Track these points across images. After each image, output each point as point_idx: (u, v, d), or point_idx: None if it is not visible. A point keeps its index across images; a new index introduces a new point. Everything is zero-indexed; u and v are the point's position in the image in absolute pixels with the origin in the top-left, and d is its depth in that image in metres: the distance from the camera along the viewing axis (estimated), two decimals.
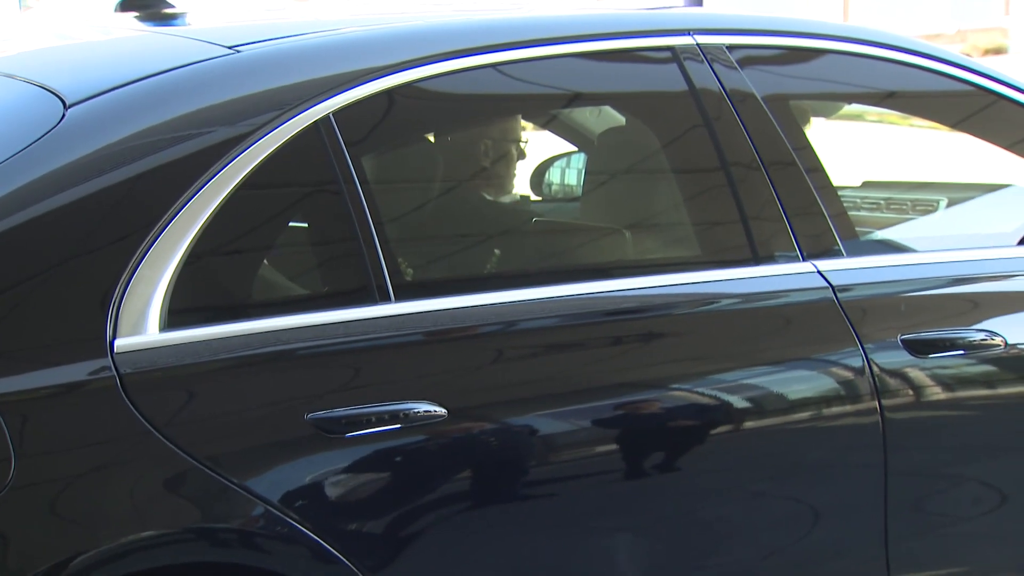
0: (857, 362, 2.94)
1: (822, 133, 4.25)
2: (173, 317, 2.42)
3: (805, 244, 2.98)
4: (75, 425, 2.32)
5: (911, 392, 3.04)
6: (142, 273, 2.40)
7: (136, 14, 3.47)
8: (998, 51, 21.82)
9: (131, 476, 2.35)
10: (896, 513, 3.01)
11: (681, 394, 2.82)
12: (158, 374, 2.38)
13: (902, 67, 3.30)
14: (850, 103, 3.85)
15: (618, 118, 3.68)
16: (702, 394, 2.82)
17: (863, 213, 4.25)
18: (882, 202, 4.26)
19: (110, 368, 2.34)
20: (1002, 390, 3.21)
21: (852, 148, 4.61)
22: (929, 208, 4.19)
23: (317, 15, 3.36)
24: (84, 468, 2.32)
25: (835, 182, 3.25)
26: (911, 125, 4.46)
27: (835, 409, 2.96)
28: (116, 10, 3.62)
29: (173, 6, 3.56)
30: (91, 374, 2.34)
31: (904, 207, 4.23)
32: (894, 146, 4.96)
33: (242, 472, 2.40)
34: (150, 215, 2.43)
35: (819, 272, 2.97)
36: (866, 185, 4.46)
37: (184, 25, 3.09)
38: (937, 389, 3.07)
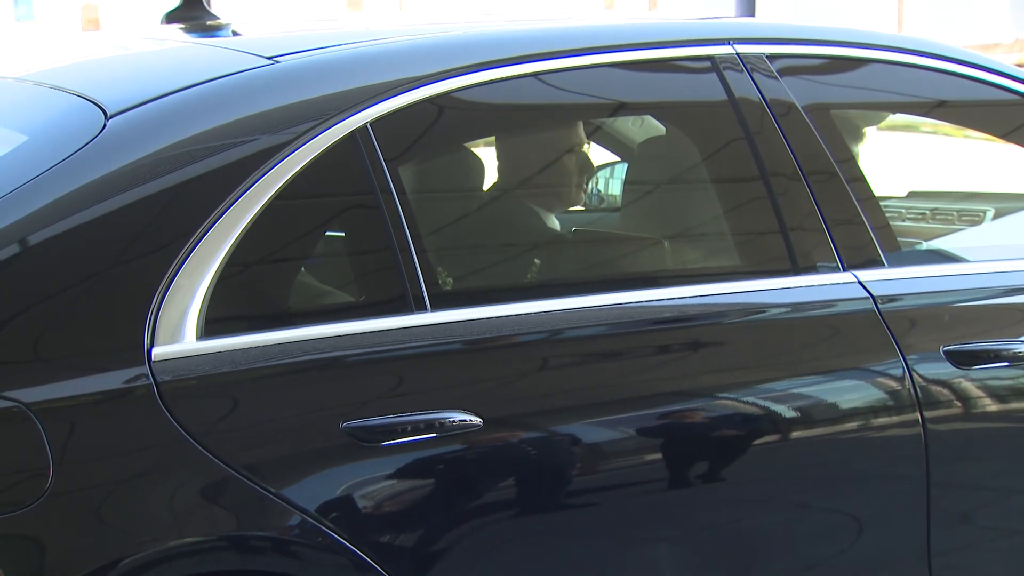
0: (898, 373, 2.92)
1: (870, 143, 4.23)
2: (210, 326, 2.44)
3: (846, 254, 2.96)
4: (113, 433, 2.34)
5: (953, 404, 3.01)
6: (180, 282, 2.42)
7: (181, 26, 3.50)
8: None
9: (168, 484, 2.37)
10: (938, 526, 2.98)
11: (719, 404, 2.81)
12: (195, 382, 2.40)
13: (944, 76, 3.28)
14: (892, 113, 3.81)
15: (660, 128, 3.68)
16: (741, 404, 2.82)
17: (908, 223, 4.22)
18: (928, 212, 4.23)
19: (147, 376, 2.36)
20: None
21: (900, 158, 4.57)
22: (975, 219, 4.16)
23: (356, 25, 3.38)
24: (121, 476, 2.34)
25: (879, 192, 3.23)
26: (965, 136, 4.42)
27: (876, 421, 2.95)
28: (162, 22, 3.65)
29: (218, 17, 3.59)
30: (129, 382, 2.36)
31: (950, 217, 4.20)
32: (941, 157, 4.92)
33: (278, 480, 2.41)
34: (188, 225, 2.45)
35: (860, 283, 2.96)
36: (912, 195, 4.43)
37: (227, 36, 3.11)
38: (979, 401, 3.04)
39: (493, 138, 3.18)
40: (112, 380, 2.35)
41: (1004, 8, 21.66)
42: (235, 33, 3.10)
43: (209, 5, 3.70)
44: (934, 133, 4.88)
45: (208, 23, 3.55)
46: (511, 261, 3.02)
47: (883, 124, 4.15)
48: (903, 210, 4.26)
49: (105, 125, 2.53)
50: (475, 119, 2.95)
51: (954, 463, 3.01)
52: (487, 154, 3.24)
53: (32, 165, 2.46)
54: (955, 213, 4.20)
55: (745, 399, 2.82)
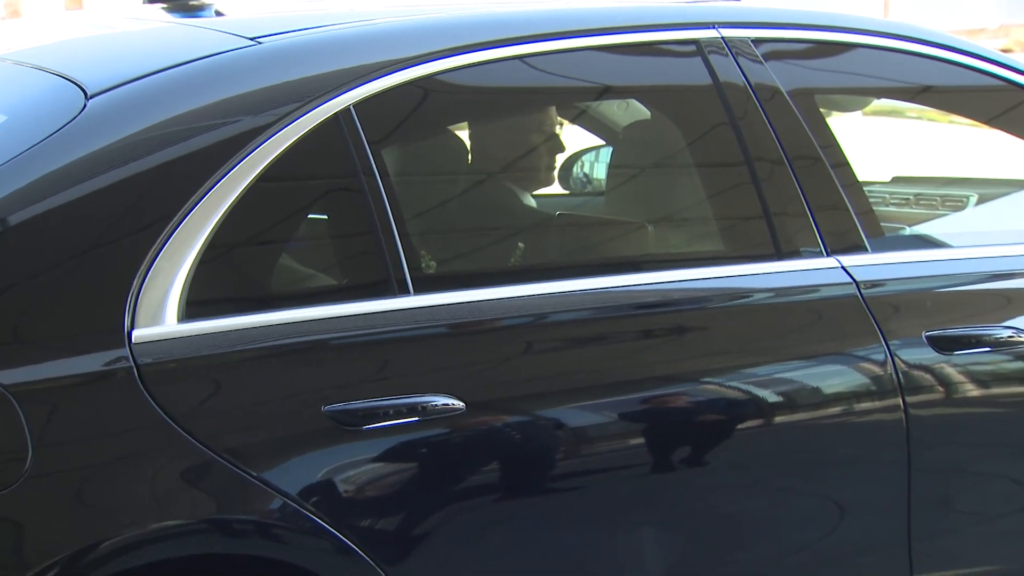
0: (881, 358, 2.92)
1: (854, 128, 4.22)
2: (191, 308, 2.42)
3: (829, 240, 2.96)
4: (92, 415, 2.33)
5: (935, 389, 3.02)
6: (161, 264, 2.40)
7: (163, 5, 3.48)
8: None
9: (148, 467, 2.35)
10: (919, 510, 2.99)
11: (703, 389, 2.81)
12: (175, 365, 2.39)
13: (929, 61, 3.27)
14: (877, 98, 3.81)
15: (645, 112, 3.67)
16: (725, 389, 2.82)
17: (892, 208, 4.22)
18: (911, 197, 4.23)
19: (128, 359, 2.35)
20: None
21: (885, 143, 4.57)
22: (959, 204, 4.16)
23: (340, 7, 3.36)
24: (102, 458, 2.33)
25: (863, 177, 3.23)
26: (950, 122, 4.43)
27: (858, 406, 2.94)
28: (144, 2, 3.63)
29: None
30: (108, 364, 2.34)
31: (933, 203, 4.20)
32: (925, 142, 4.92)
33: (259, 464, 2.40)
34: (169, 206, 2.44)
35: (843, 268, 2.96)
36: (896, 180, 4.43)
37: (209, 16, 3.09)
38: (962, 386, 3.04)
39: (478, 121, 3.16)
40: (92, 362, 2.34)
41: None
42: (218, 13, 3.08)
43: None
44: (918, 118, 4.89)
45: (190, 3, 3.53)
46: (495, 245, 3.01)
47: (867, 109, 4.15)
48: (887, 195, 4.26)
49: (85, 105, 2.51)
50: (460, 102, 2.93)
51: (935, 448, 3.01)
52: (470, 137, 3.23)
53: (11, 145, 2.44)
54: (938, 198, 4.19)
55: (729, 384, 2.82)
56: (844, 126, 3.84)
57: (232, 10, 3.40)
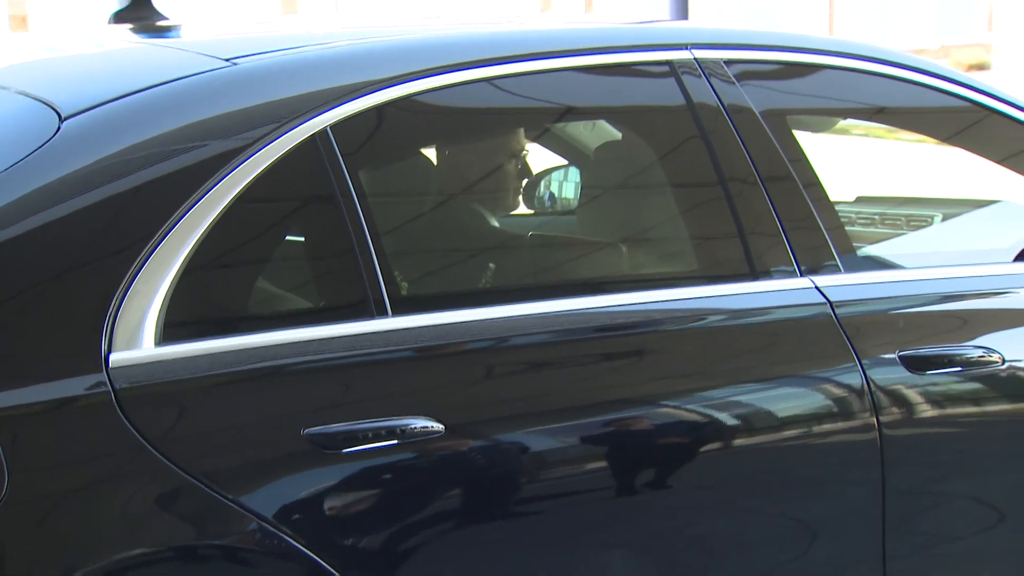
0: (855, 379, 2.93)
1: (816, 147, 4.23)
2: (169, 331, 2.40)
3: (803, 259, 2.97)
4: (70, 441, 2.29)
5: (909, 409, 3.02)
6: (137, 287, 2.37)
7: (131, 26, 3.45)
8: (981, 67, 21.85)
9: (126, 493, 2.32)
10: (894, 531, 2.99)
11: (679, 411, 2.80)
12: (153, 389, 2.36)
13: (900, 83, 3.29)
14: (847, 118, 3.82)
15: (613, 132, 3.67)
16: (700, 410, 2.81)
17: (858, 228, 4.24)
18: (876, 217, 4.25)
19: (105, 383, 2.32)
20: (1000, 407, 3.20)
21: (844, 162, 4.59)
22: (923, 223, 4.18)
23: (313, 28, 3.34)
24: (79, 484, 2.29)
25: (830, 197, 3.24)
26: (898, 139, 4.46)
27: (832, 425, 2.95)
28: (110, 21, 3.61)
29: (167, 18, 3.55)
30: (86, 389, 2.31)
31: (899, 222, 4.22)
32: (886, 160, 4.96)
33: (238, 488, 2.37)
34: (146, 229, 2.41)
35: (817, 288, 2.96)
36: (860, 200, 4.45)
37: (178, 37, 3.07)
38: (935, 406, 3.06)
39: (455, 142, 3.15)
40: (70, 387, 2.31)
41: (931, 15, 21.93)
42: (185, 34, 3.06)
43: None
44: (866, 136, 4.92)
45: (157, 23, 3.51)
46: (473, 266, 2.99)
47: (834, 129, 4.17)
48: (852, 215, 4.28)
49: (59, 127, 2.48)
50: (436, 122, 2.92)
51: (909, 468, 3.02)
52: (447, 158, 3.22)
53: None
54: (904, 218, 4.22)
55: (705, 405, 2.82)
56: (809, 146, 3.86)
57: (198, 30, 3.38)
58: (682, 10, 11.54)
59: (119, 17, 3.60)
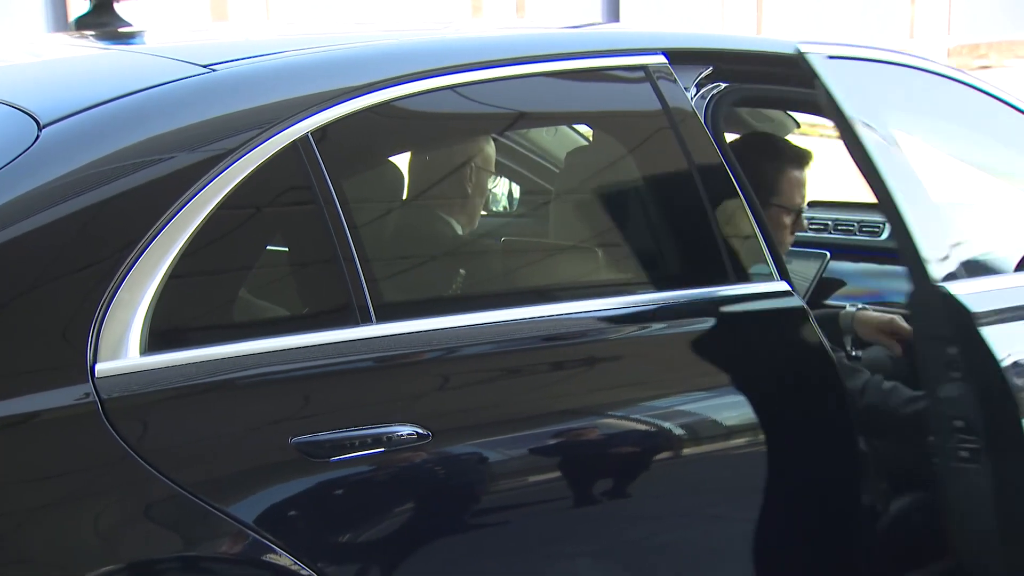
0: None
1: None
2: (154, 340, 2.38)
3: (780, 263, 3.00)
4: (57, 452, 2.28)
5: None
6: (122, 296, 2.36)
7: (101, 32, 3.44)
8: None
9: (114, 504, 2.31)
10: None
11: (664, 416, 2.82)
12: (139, 399, 2.34)
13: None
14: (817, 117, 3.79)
15: (576, 138, 3.69)
16: (687, 416, 2.83)
17: (811, 234, 4.28)
18: (829, 223, 4.30)
19: (92, 393, 2.30)
20: None
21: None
22: (875, 230, 4.23)
23: (290, 34, 3.33)
24: (66, 496, 2.28)
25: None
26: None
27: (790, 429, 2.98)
28: (73, 27, 3.59)
29: (130, 24, 3.54)
30: (73, 400, 2.30)
31: (851, 228, 4.27)
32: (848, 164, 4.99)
33: (226, 498, 2.37)
34: (129, 237, 2.39)
35: (793, 290, 3.00)
36: (812, 205, 4.48)
37: (154, 43, 3.05)
38: None
39: (435, 147, 3.15)
40: (56, 399, 2.29)
41: (854, 20, 22.11)
42: (160, 40, 3.04)
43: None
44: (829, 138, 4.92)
45: (119, 29, 3.49)
46: (457, 272, 2.99)
47: (798, 131, 4.20)
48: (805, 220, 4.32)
49: (39, 135, 2.45)
50: (417, 128, 2.92)
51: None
52: (428, 163, 3.22)
53: None
54: (856, 224, 4.26)
55: (690, 410, 2.84)
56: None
57: (167, 36, 3.36)
58: (614, 11, 11.59)
59: (82, 23, 3.59)
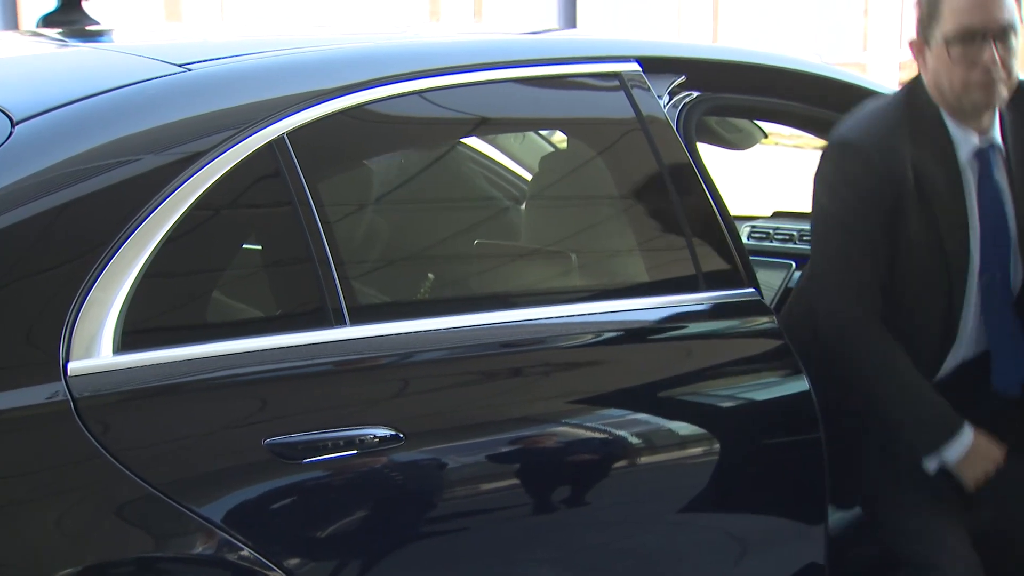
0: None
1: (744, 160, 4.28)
2: (127, 339, 2.37)
3: (749, 271, 3.01)
4: (28, 450, 2.26)
5: None
6: (95, 295, 2.35)
7: (60, 30, 3.41)
8: None
9: (85, 503, 2.30)
10: None
11: (634, 419, 2.82)
12: (112, 398, 2.33)
13: (836, 87, 3.37)
14: (792, 127, 3.80)
15: (543, 144, 3.69)
16: (658, 420, 2.84)
17: (776, 244, 4.29)
18: (795, 234, 4.31)
19: (64, 392, 2.29)
20: None
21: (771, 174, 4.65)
22: None
23: (266, 34, 3.32)
24: (37, 494, 2.26)
25: (746, 212, 3.28)
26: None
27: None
28: (39, 25, 3.56)
29: (97, 22, 3.52)
30: (45, 398, 2.28)
31: None
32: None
33: (198, 498, 2.36)
34: (103, 236, 2.38)
35: (760, 298, 3.01)
36: (777, 215, 4.50)
37: (122, 42, 3.03)
38: None
39: (411, 150, 3.14)
40: (28, 396, 2.27)
41: (809, 32, 22.25)
42: (133, 38, 3.02)
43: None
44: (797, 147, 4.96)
45: (87, 27, 3.47)
46: (430, 274, 2.99)
47: (765, 140, 4.21)
48: (771, 231, 4.34)
49: (12, 132, 2.43)
50: (393, 131, 2.91)
51: None
52: (405, 166, 3.21)
53: None
54: None
55: (662, 416, 2.85)
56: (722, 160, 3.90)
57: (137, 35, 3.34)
58: (571, 17, 11.61)
59: (48, 20, 3.56)
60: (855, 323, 3.00)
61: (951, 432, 3.00)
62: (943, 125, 3.02)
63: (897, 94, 3.12)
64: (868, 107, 3.11)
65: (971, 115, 3.01)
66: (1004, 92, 2.98)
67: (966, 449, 3.00)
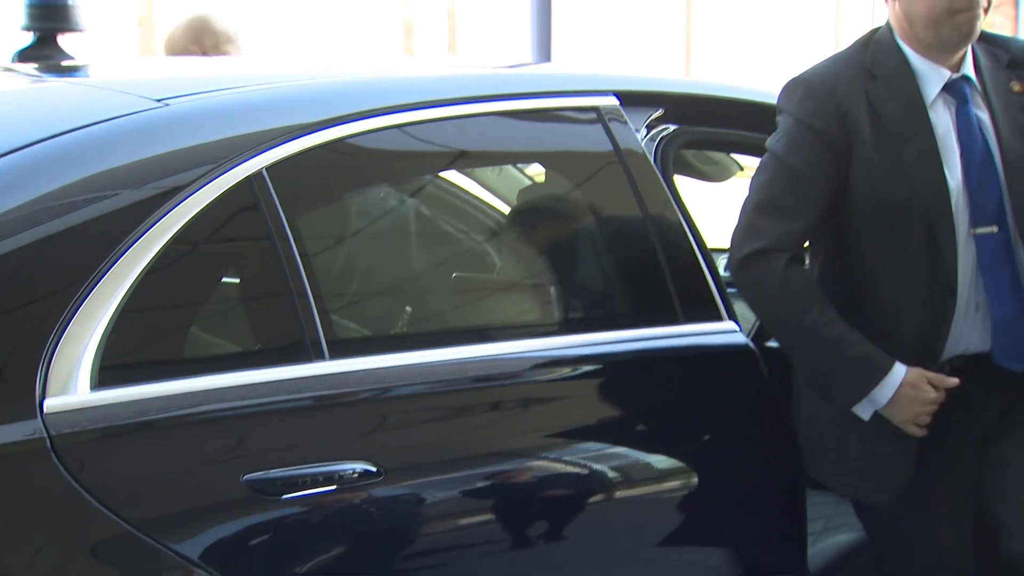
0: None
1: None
2: (105, 376, 2.35)
3: (728, 304, 3.01)
4: (4, 488, 2.24)
5: None
6: (72, 331, 2.33)
7: (36, 65, 3.40)
8: None
9: (62, 542, 2.28)
10: None
11: (613, 454, 2.82)
12: (89, 435, 2.31)
13: None
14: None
15: (521, 177, 3.68)
16: (638, 453, 2.83)
17: None
18: None
19: (40, 430, 2.27)
20: None
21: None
22: None
23: (241, 69, 3.31)
24: (13, 533, 2.24)
25: (713, 244, 3.28)
26: None
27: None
28: (14, 60, 3.55)
29: (74, 58, 3.50)
30: (21, 436, 2.26)
31: None
32: None
33: (177, 536, 2.34)
34: (79, 271, 2.36)
35: (742, 331, 3.01)
36: None
37: (99, 77, 3.02)
38: None
39: (389, 184, 3.14)
40: (4, 434, 2.25)
41: (780, 61, 22.32)
42: (108, 73, 3.01)
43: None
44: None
45: (62, 63, 3.46)
46: (409, 308, 2.98)
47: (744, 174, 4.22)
48: None
49: None
50: (372, 165, 2.91)
51: None
52: (383, 200, 3.21)
53: None
54: None
55: (642, 449, 2.85)
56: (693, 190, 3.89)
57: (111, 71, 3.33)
58: (545, 50, 11.61)
59: (24, 56, 3.55)
60: (766, 258, 2.87)
61: (880, 372, 2.84)
62: (906, 62, 2.96)
63: (857, 42, 3.08)
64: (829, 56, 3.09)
65: (947, 48, 2.94)
66: (979, 28, 2.94)
67: (894, 390, 2.84)
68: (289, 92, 2.83)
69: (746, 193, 3.00)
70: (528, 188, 3.45)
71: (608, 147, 2.99)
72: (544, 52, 11.26)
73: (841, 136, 2.90)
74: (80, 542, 2.28)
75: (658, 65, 19.36)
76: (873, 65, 2.97)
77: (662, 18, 19.70)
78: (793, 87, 3.02)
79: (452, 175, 3.35)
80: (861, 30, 3.15)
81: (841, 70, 2.98)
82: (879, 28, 3.04)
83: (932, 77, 2.96)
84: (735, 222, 2.99)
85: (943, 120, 2.94)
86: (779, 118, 3.02)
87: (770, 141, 3.00)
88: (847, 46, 3.11)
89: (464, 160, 3.20)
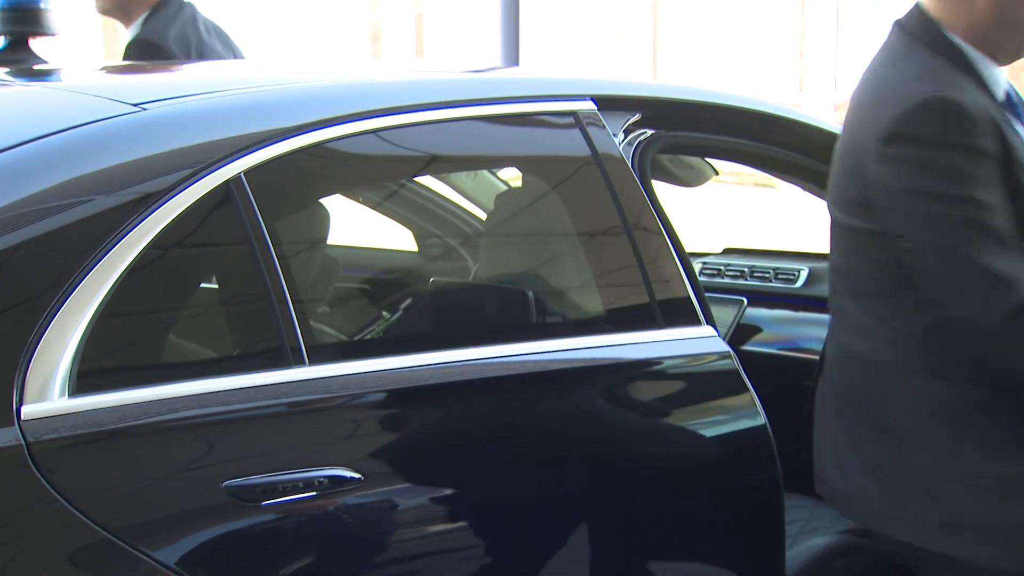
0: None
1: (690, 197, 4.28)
2: (82, 382, 2.33)
3: (707, 309, 3.01)
4: None
5: None
6: (49, 337, 2.31)
7: (7, 69, 3.37)
8: None
9: (40, 549, 2.25)
10: None
11: (598, 456, 2.81)
12: (67, 442, 2.29)
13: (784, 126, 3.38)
14: (746, 165, 3.80)
15: (496, 182, 3.68)
16: (620, 455, 2.82)
17: (727, 280, 4.31)
18: (746, 270, 4.32)
19: (18, 437, 2.25)
20: None
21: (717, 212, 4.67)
22: (791, 278, 4.27)
23: (220, 73, 3.29)
24: None
25: (695, 248, 3.28)
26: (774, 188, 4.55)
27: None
28: None
29: (46, 61, 3.48)
30: None
31: (767, 275, 4.30)
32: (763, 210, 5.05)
33: (156, 543, 2.32)
34: (56, 277, 2.34)
35: (720, 336, 3.01)
36: (728, 252, 4.52)
37: (75, 81, 3.00)
38: None
39: (369, 189, 3.13)
40: None
41: (746, 71, 22.44)
42: (85, 78, 2.99)
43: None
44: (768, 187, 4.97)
45: (35, 66, 3.44)
46: (391, 313, 2.97)
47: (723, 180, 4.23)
48: (721, 267, 4.35)
49: None
50: (351, 170, 2.90)
51: None
52: (362, 205, 3.20)
53: None
54: (771, 271, 4.29)
55: (626, 452, 2.84)
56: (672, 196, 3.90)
57: (86, 74, 3.31)
58: (513, 55, 11.62)
59: None
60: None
61: None
62: (973, 67, 2.69)
63: (895, 47, 2.76)
64: (885, 71, 2.74)
65: (1013, 58, 2.74)
66: None
67: None
68: (267, 96, 2.82)
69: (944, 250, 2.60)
70: (506, 193, 3.45)
71: (586, 151, 2.99)
72: (512, 57, 11.28)
73: (997, 156, 2.61)
74: (58, 550, 2.26)
75: (626, 68, 19.41)
76: (954, 71, 2.68)
77: (629, 22, 19.75)
78: (930, 113, 2.59)
79: (431, 180, 3.35)
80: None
81: (948, 80, 2.65)
82: (910, 31, 2.75)
83: (999, 82, 2.76)
84: (951, 279, 2.60)
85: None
86: (933, 152, 2.59)
87: (926, 191, 2.59)
88: (888, 55, 2.78)
89: (443, 164, 3.19)
